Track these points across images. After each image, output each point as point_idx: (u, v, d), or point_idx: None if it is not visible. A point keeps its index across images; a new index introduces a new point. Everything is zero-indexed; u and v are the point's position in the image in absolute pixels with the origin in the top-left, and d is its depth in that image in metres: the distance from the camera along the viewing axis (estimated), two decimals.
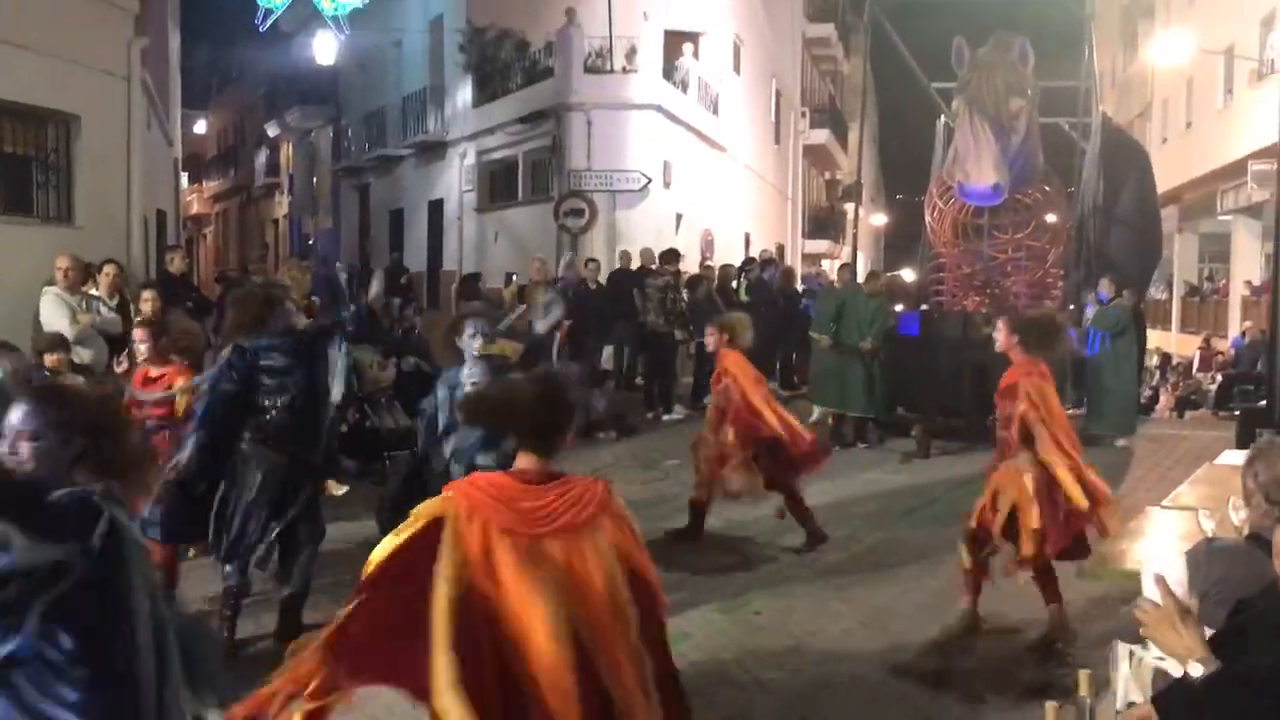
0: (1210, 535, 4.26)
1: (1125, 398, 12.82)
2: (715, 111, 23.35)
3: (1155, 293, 18.52)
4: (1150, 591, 2.45)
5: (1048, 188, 14.29)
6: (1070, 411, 13.11)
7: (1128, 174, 15.04)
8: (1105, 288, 13.05)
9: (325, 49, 24.77)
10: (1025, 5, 17.89)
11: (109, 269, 9.46)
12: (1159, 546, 5.45)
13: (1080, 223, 14.83)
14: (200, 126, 43.28)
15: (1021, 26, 14.63)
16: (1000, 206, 13.61)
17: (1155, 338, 23.53)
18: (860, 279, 14.23)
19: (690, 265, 17.46)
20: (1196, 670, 2.61)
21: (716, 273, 16.41)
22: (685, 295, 14.54)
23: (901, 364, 12.66)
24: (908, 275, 19.39)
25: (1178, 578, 2.49)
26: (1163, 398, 18.64)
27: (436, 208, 25.34)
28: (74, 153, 11.72)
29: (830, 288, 14.50)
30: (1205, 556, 3.62)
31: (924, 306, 14.61)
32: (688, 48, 22.07)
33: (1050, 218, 14.31)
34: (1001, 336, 6.23)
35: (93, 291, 9.12)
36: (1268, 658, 2.63)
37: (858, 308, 12.67)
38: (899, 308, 14.16)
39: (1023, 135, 13.56)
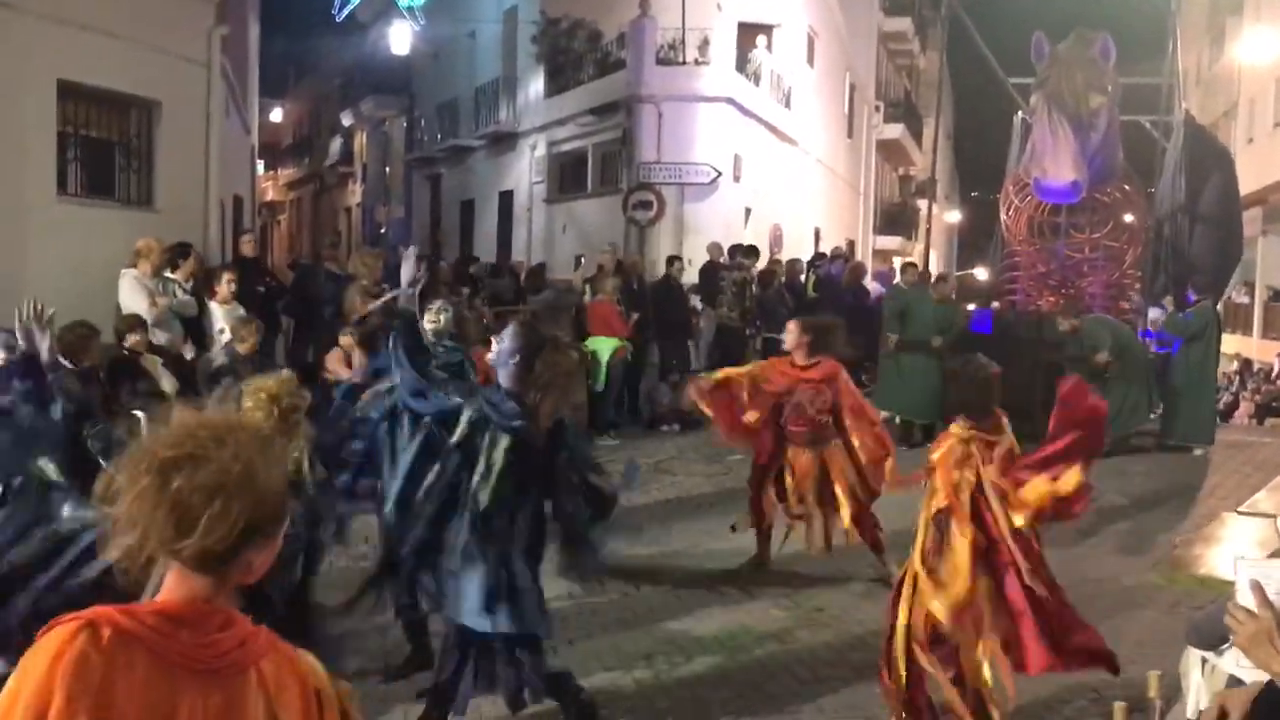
0: None
1: (1202, 405, 12.43)
2: (787, 105, 23.19)
3: (1235, 296, 18.06)
4: (1244, 598, 2.31)
5: (1127, 186, 14.04)
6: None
7: (1209, 174, 14.67)
8: (1168, 302, 12.86)
9: (400, 39, 25.04)
10: (1108, 0, 17.56)
11: (187, 253, 9.63)
12: (1238, 552, 5.31)
13: (1159, 223, 14.50)
14: (276, 115, 43.96)
15: (1103, 22, 14.33)
16: (1078, 205, 13.37)
17: (1235, 343, 22.95)
18: (931, 278, 14.02)
19: (760, 260, 17.35)
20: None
21: (784, 268, 16.29)
22: (754, 290, 14.48)
23: None
24: (980, 274, 19.13)
25: (1277, 588, 2.31)
26: (1242, 404, 18.19)
27: (506, 198, 25.50)
28: (155, 138, 11.95)
29: (896, 288, 14.08)
30: None
31: (994, 304, 14.38)
32: (761, 40, 21.93)
33: (1129, 217, 14.02)
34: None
35: (170, 275, 9.30)
36: None
37: (924, 311, 12.43)
38: (971, 306, 13.98)
39: (1102, 133, 13.30)
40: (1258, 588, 2.41)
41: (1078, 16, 14.62)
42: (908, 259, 20.54)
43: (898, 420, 12.44)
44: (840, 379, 7.07)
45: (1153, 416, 12.52)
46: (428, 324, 6.24)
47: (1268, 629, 2.35)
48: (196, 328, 9.02)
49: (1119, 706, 3.29)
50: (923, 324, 12.26)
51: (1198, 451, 11.95)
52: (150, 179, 11.97)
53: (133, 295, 8.84)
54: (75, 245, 10.16)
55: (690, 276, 14.97)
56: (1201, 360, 12.35)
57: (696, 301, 14.26)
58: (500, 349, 4.61)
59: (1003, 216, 14.73)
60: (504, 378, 4.58)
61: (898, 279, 14.30)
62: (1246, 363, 23.00)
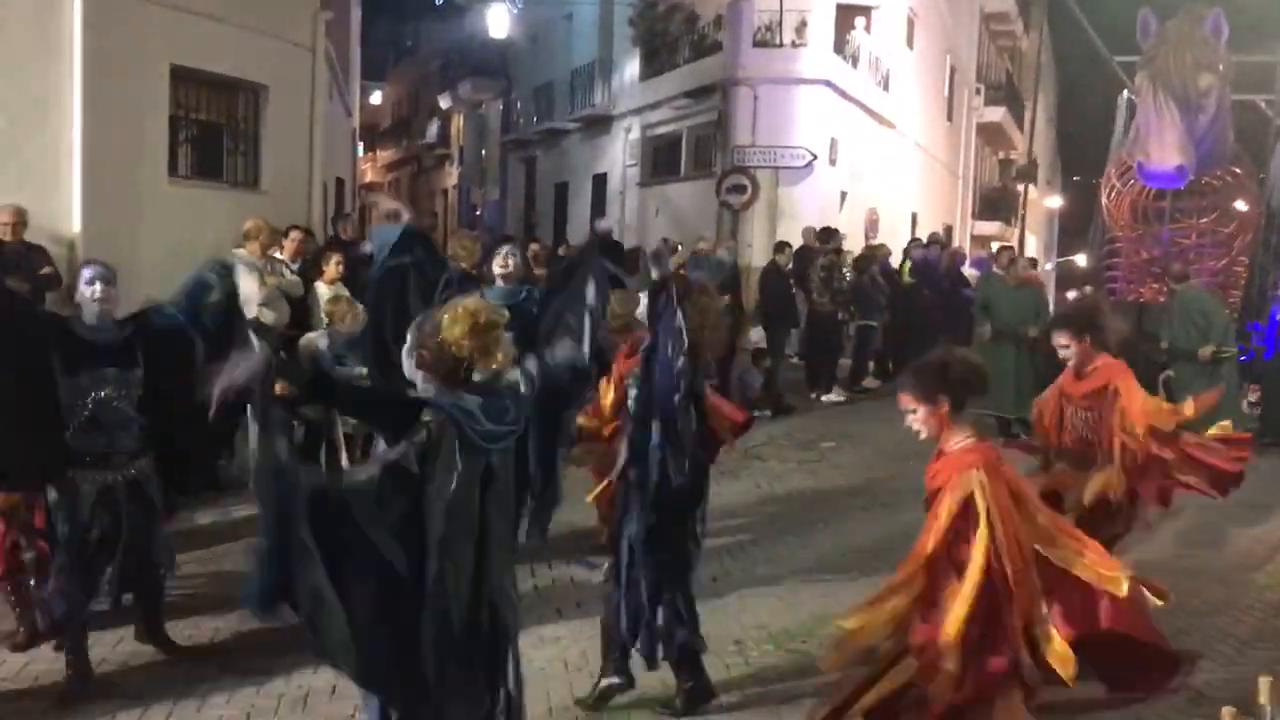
0: None
1: None
2: (886, 87, 22.88)
3: None
4: None
5: (1238, 170, 13.46)
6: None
7: None
8: None
9: (498, 22, 25.27)
10: None
11: (294, 234, 9.86)
12: None
13: (1271, 209, 13.93)
14: (376, 97, 44.67)
15: None
16: (1184, 190, 12.92)
17: None
18: (1031, 264, 13.66)
19: (854, 245, 17.18)
20: None
21: (879, 252, 16.08)
22: (849, 275, 14.32)
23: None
24: (1081, 260, 18.68)
25: None
26: None
27: (600, 181, 25.60)
28: (261, 121, 12.23)
29: (987, 275, 13.54)
30: None
31: (1087, 288, 13.88)
32: (860, 22, 21.66)
33: (1239, 202, 13.51)
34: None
35: (277, 255, 9.52)
36: None
37: (1002, 296, 11.94)
38: (1071, 294, 13.62)
39: (1212, 114, 12.81)
40: None
41: None
42: (1004, 244, 20.04)
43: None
44: None
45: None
46: (497, 269, 6.68)
47: None
48: (302, 308, 9.22)
49: (1227, 711, 3.22)
50: (1007, 311, 11.81)
51: None
52: (257, 161, 12.26)
53: (243, 275, 9.05)
54: (185, 226, 10.45)
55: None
56: None
57: (793, 287, 14.15)
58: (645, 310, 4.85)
59: (1104, 200, 14.28)
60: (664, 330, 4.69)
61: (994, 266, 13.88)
62: None
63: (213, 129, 11.93)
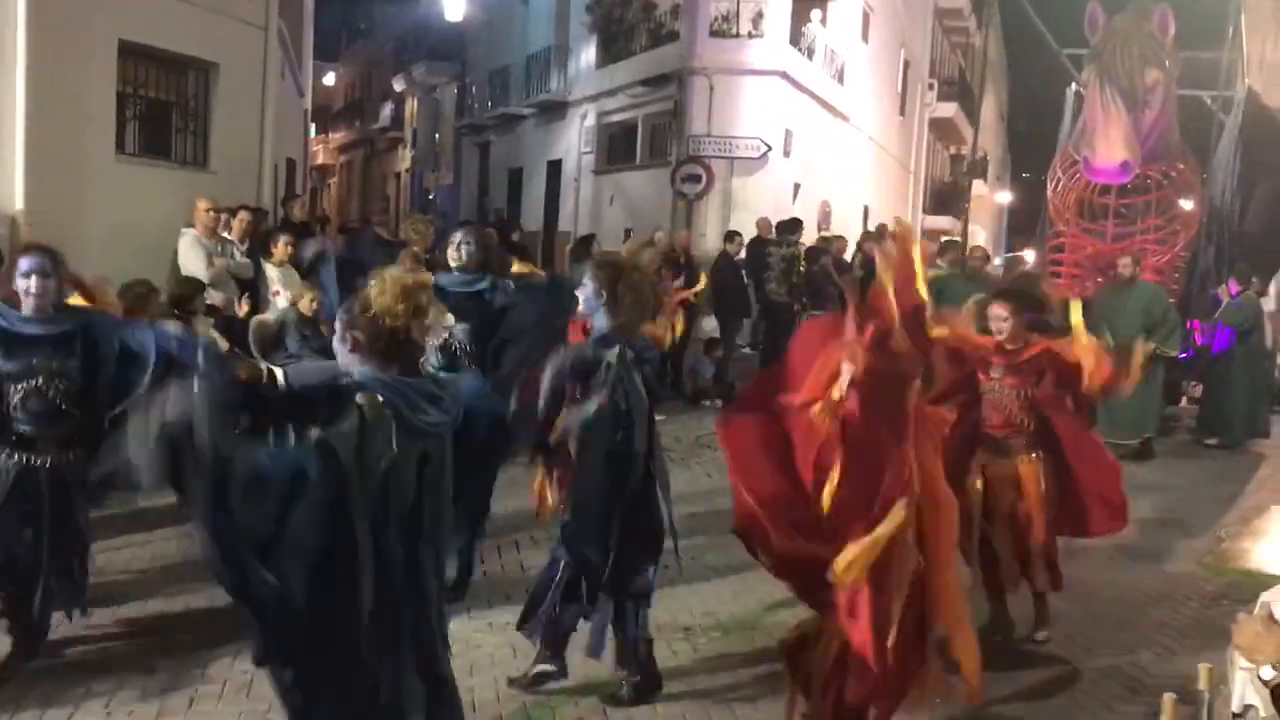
0: None
1: (1256, 399, 12.09)
2: (840, 80, 23.00)
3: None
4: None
5: (1182, 165, 13.55)
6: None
7: (1269, 154, 14.24)
8: (1222, 291, 12.42)
9: (454, 5, 25.07)
10: None
11: (243, 215, 9.75)
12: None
13: (1214, 204, 14.10)
14: (329, 78, 44.19)
15: None
16: (1129, 185, 13.01)
17: None
18: (985, 259, 13.70)
19: (808, 237, 17.24)
20: (1268, 674, 2.62)
21: (835, 244, 16.15)
22: (802, 266, 14.37)
23: None
24: (1029, 256, 18.87)
25: None
26: None
27: (555, 168, 25.52)
28: (212, 99, 12.07)
29: (931, 269, 13.58)
30: None
31: None
32: (816, 14, 21.74)
33: (1184, 202, 13.66)
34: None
35: (226, 235, 9.41)
36: None
37: (956, 291, 12.00)
38: None
39: (1157, 110, 12.90)
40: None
41: None
42: (948, 237, 20.18)
43: None
44: None
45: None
46: (451, 257, 6.21)
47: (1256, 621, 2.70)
48: (251, 289, 9.12)
49: (1169, 699, 3.29)
50: (958, 306, 11.85)
51: (1251, 448, 11.64)
52: (206, 140, 12.10)
53: (191, 255, 8.96)
54: (132, 205, 10.30)
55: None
56: (1255, 352, 12.06)
57: (745, 277, 14.19)
58: (585, 295, 4.72)
59: (1049, 195, 14.34)
60: (600, 320, 4.69)
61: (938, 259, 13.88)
62: None
63: (162, 106, 11.75)
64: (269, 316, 8.33)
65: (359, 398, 3.13)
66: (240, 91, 12.39)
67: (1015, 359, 5.61)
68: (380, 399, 3.15)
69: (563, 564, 4.78)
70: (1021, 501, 5.64)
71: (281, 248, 9.18)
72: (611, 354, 4.54)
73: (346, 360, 3.32)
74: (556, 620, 4.83)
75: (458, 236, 6.31)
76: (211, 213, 9.07)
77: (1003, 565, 5.71)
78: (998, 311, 5.63)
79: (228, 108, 12.17)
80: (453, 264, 6.18)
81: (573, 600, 4.78)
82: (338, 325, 3.34)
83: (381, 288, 3.28)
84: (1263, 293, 13.69)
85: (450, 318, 5.68)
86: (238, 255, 9.28)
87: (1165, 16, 13.00)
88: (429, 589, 3.42)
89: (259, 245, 9.51)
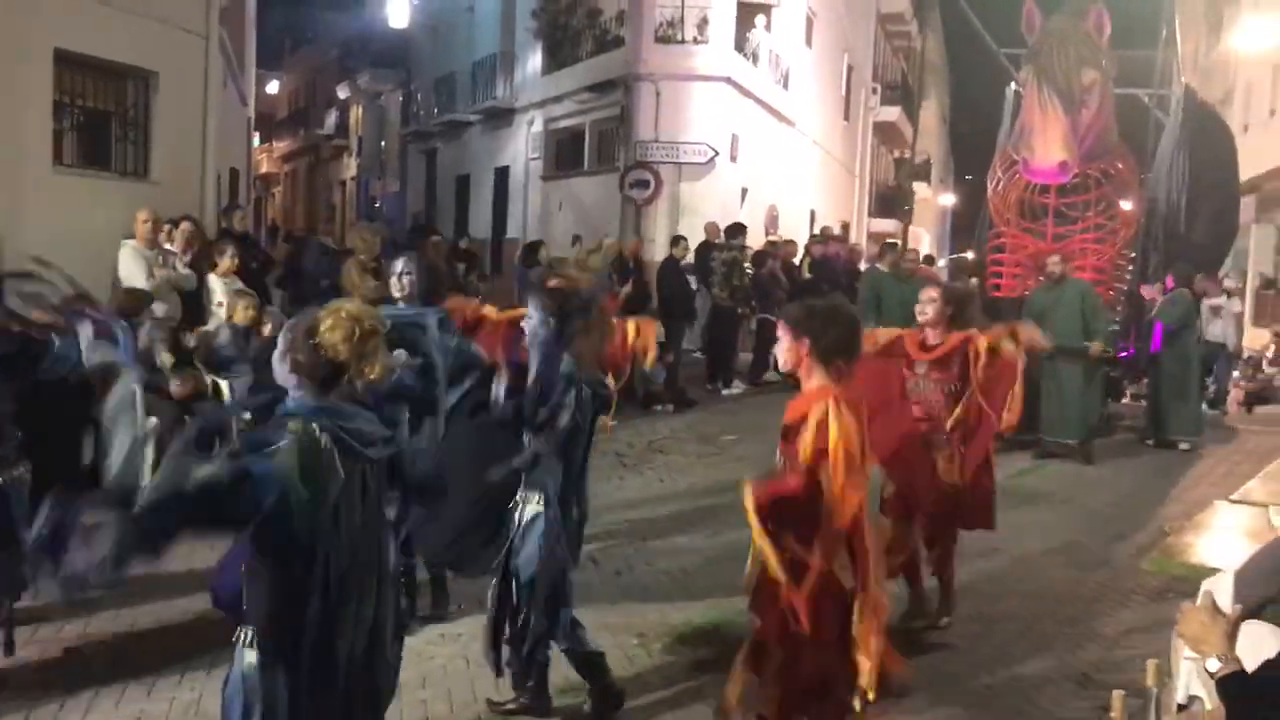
0: None
1: (1192, 397, 12.11)
2: (785, 86, 23.14)
3: (1227, 283, 18.00)
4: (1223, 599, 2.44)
5: (1120, 164, 13.66)
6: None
7: (1210, 152, 14.37)
8: (1156, 289, 12.55)
9: (398, 12, 24.99)
10: None
11: (185, 225, 9.62)
12: (1226, 542, 5.37)
13: (1154, 202, 14.21)
14: (272, 86, 43.77)
15: None
16: (1069, 184, 13.09)
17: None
18: (929, 261, 13.83)
19: (755, 240, 17.34)
20: (1213, 665, 2.65)
21: (783, 248, 16.27)
22: (749, 270, 14.46)
23: None
24: (972, 257, 19.05)
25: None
26: (1232, 392, 18.24)
27: (502, 175, 25.44)
28: (152, 109, 11.91)
29: (870, 271, 13.63)
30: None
31: (973, 280, 13.96)
32: (760, 20, 21.87)
33: (1125, 203, 13.80)
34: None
35: (168, 246, 9.27)
36: None
37: (892, 292, 11.99)
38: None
39: (1095, 109, 12.98)
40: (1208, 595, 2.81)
41: None
42: (889, 239, 20.34)
43: None
44: None
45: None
46: (395, 291, 5.86)
47: (1201, 611, 2.72)
48: (195, 301, 9.00)
49: (1118, 695, 3.33)
50: (896, 307, 11.61)
51: (1183, 446, 11.67)
52: (147, 150, 11.94)
53: (131, 266, 8.82)
54: (71, 216, 10.13)
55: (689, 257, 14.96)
56: (1189, 350, 12.14)
57: (693, 282, 14.24)
58: (531, 325, 4.50)
59: (990, 195, 14.25)
60: (536, 351, 4.47)
61: (877, 262, 13.95)
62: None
63: (100, 116, 11.58)
64: (213, 328, 8.21)
65: (291, 425, 3.04)
66: (181, 100, 12.22)
67: (938, 353, 5.78)
68: (315, 426, 3.05)
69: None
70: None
71: (227, 260, 9.06)
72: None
73: (284, 378, 3.22)
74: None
75: (398, 266, 5.94)
76: (149, 224, 8.93)
77: (919, 553, 5.93)
78: (929, 294, 5.85)
79: (168, 117, 12.01)
80: (395, 294, 5.87)
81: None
82: (280, 341, 3.25)
83: (333, 323, 3.15)
84: (1204, 292, 13.87)
85: (401, 355, 5.54)
86: (179, 267, 9.15)
87: (1101, 16, 13.07)
88: (377, 616, 3.32)
89: (202, 256, 9.38)
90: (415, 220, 26.82)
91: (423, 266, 5.97)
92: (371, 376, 3.18)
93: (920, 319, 5.83)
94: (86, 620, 5.77)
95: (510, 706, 4.85)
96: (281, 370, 3.18)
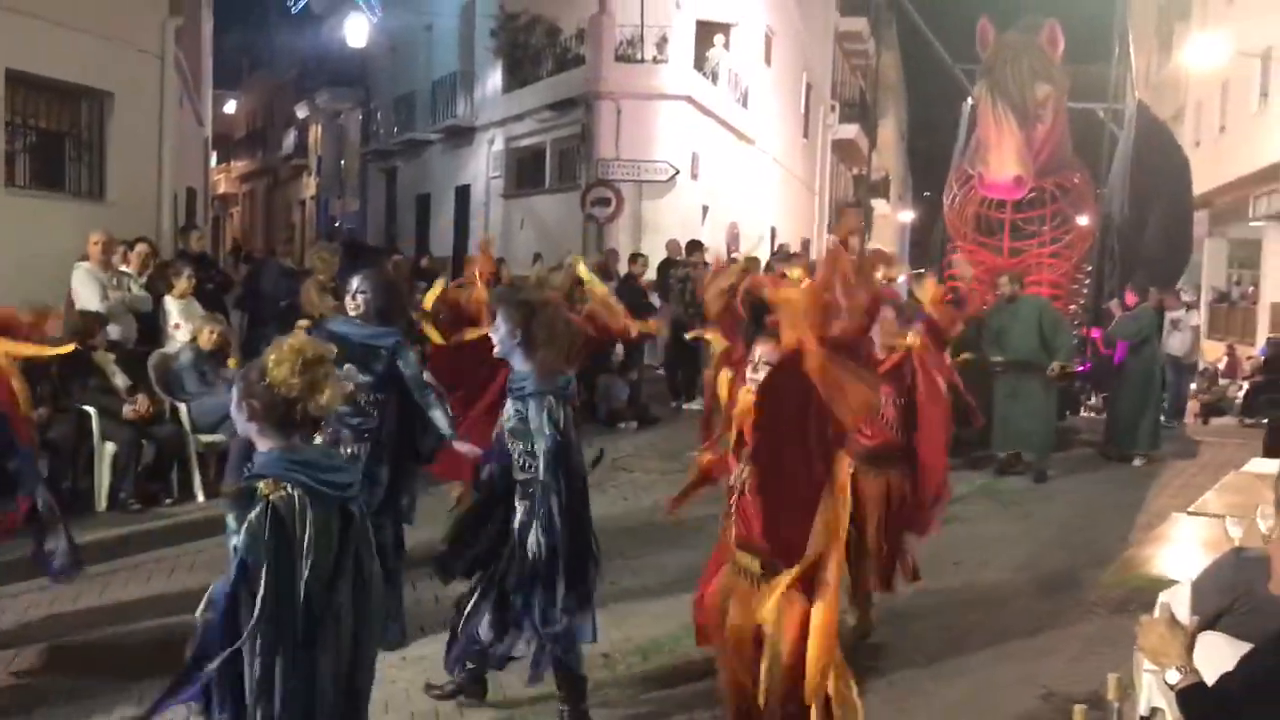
0: (1238, 544, 4.22)
1: (1152, 410, 12.16)
2: (745, 104, 23.28)
3: (1185, 297, 18.22)
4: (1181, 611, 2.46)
5: (1076, 179, 13.73)
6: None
7: (1163, 167, 14.45)
8: (1115, 305, 12.68)
9: (356, 31, 24.86)
10: None
11: (140, 247, 9.52)
12: (1184, 554, 5.42)
13: (1109, 217, 14.21)
14: (230, 107, 43.44)
15: (1054, 9, 13.88)
16: (1024, 199, 13.15)
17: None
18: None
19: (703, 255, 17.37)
20: (1173, 677, 2.67)
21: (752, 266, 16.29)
22: None
23: None
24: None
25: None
26: (1189, 404, 18.47)
27: (464, 193, 25.38)
28: (107, 130, 11.79)
29: None
30: (1234, 566, 3.61)
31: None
32: (719, 39, 22.00)
33: (1080, 217, 13.87)
34: None
35: (123, 268, 9.17)
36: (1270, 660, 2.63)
37: None
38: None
39: (1049, 124, 13.04)
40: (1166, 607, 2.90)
41: (1028, 4, 14.25)
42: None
43: None
44: None
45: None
46: (350, 310, 5.80)
47: (1159, 624, 2.77)
48: (151, 323, 8.90)
49: (1079, 709, 3.35)
50: None
51: (1137, 462, 11.73)
52: (102, 171, 11.81)
53: (85, 288, 8.71)
54: (25, 238, 10.00)
55: (650, 275, 14.99)
56: (1148, 364, 12.19)
57: (655, 299, 14.26)
58: (499, 336, 4.66)
59: (946, 210, 14.26)
60: (517, 362, 4.66)
61: None
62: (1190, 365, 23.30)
63: (54, 137, 11.45)
64: (170, 350, 8.12)
65: (262, 488, 2.98)
66: (136, 121, 12.11)
67: (886, 365, 5.82)
68: (286, 486, 2.99)
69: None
70: (887, 512, 5.93)
71: (184, 282, 8.97)
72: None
73: (244, 428, 3.18)
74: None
75: (354, 284, 5.87)
76: (101, 245, 8.82)
77: (867, 569, 5.96)
78: (884, 313, 5.92)
79: (124, 137, 11.89)
80: (351, 313, 5.82)
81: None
82: (234, 392, 3.20)
83: (279, 357, 3.10)
84: (1161, 305, 13.99)
85: (351, 370, 5.49)
86: (134, 288, 9.04)
87: (1054, 31, 13.14)
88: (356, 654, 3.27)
89: (158, 278, 9.28)
90: (393, 240, 26.62)
91: (379, 285, 5.90)
92: (324, 404, 3.14)
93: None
94: (42, 645, 5.68)
95: (449, 689, 5.10)
96: (241, 420, 3.13)
